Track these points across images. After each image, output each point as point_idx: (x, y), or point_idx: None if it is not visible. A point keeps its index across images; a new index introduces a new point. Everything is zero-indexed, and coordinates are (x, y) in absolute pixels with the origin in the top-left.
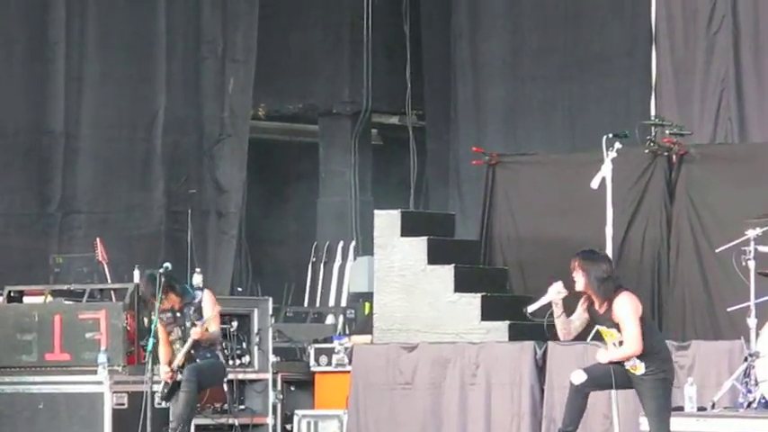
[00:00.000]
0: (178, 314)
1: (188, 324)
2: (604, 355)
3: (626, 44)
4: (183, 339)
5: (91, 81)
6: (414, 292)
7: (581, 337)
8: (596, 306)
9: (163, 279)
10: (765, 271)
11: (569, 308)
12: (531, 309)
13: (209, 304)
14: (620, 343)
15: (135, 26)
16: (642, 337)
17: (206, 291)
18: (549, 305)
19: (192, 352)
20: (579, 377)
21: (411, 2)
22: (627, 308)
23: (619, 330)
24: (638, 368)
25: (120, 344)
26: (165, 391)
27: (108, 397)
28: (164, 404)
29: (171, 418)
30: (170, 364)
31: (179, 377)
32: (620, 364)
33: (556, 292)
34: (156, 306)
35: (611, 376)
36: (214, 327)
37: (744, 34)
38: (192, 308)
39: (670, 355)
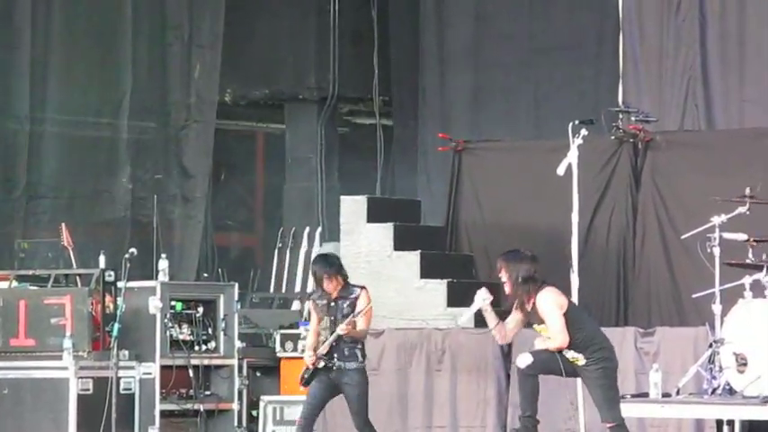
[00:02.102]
0: (332, 304)
1: (339, 317)
2: (542, 343)
3: (593, 31)
4: (331, 330)
5: (56, 66)
6: (380, 278)
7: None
8: (524, 306)
9: (335, 258)
10: (732, 261)
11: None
12: (461, 321)
13: (364, 303)
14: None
15: (101, 11)
16: (569, 330)
17: (364, 290)
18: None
19: (334, 344)
20: (525, 360)
21: None
22: (548, 303)
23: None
24: (579, 359)
25: (86, 329)
26: (306, 375)
27: (73, 383)
28: (302, 388)
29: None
30: (315, 349)
31: (320, 364)
32: (562, 355)
33: (482, 299)
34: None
35: (558, 363)
36: (362, 324)
37: (710, 22)
38: (347, 302)
39: (608, 343)
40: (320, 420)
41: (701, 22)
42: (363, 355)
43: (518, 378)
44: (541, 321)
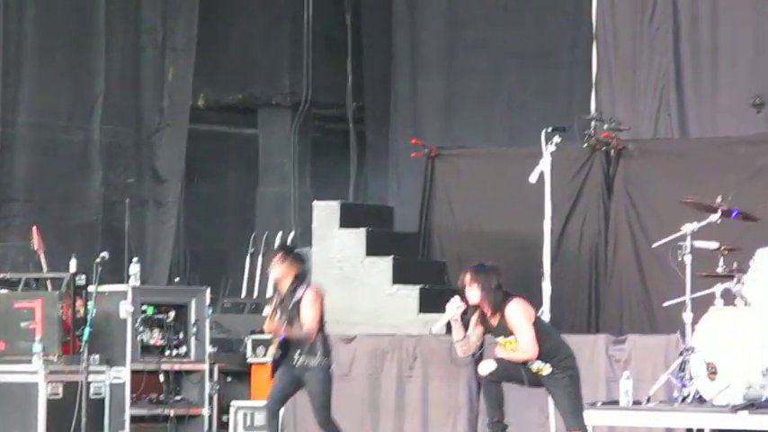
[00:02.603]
0: (283, 301)
1: (285, 316)
2: (505, 354)
3: (568, 39)
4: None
5: (29, 69)
6: (352, 284)
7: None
8: (489, 318)
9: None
10: (703, 273)
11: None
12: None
13: (307, 303)
14: None
15: (74, 14)
16: (537, 341)
17: (310, 289)
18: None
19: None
20: (488, 367)
21: None
22: (519, 314)
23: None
24: (544, 369)
25: (56, 333)
26: (277, 357)
27: (43, 387)
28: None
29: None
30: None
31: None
32: (526, 366)
33: (455, 308)
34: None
35: (521, 373)
36: (306, 324)
37: (683, 31)
38: (292, 303)
39: (571, 352)
40: (290, 418)
41: (674, 30)
42: (325, 353)
43: (482, 385)
44: (509, 333)
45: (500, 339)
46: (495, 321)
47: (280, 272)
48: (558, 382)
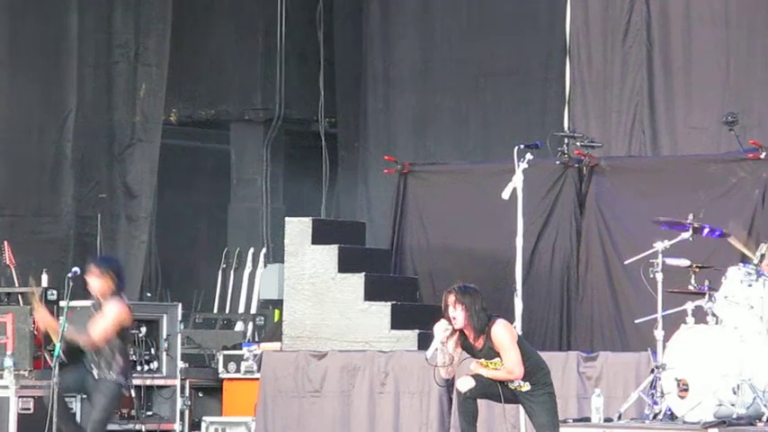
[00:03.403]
0: (97, 310)
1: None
2: (485, 371)
3: (541, 55)
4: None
5: (1, 83)
6: (324, 300)
7: None
8: (471, 340)
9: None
10: (675, 290)
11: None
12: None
13: (110, 316)
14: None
15: (46, 29)
16: (523, 359)
17: (115, 302)
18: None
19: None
20: (466, 384)
21: (325, 9)
22: (505, 335)
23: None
24: (524, 386)
25: (27, 348)
26: (63, 361)
27: (14, 401)
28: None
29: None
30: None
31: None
32: (503, 384)
33: (443, 330)
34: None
35: (498, 390)
36: (100, 327)
37: (656, 49)
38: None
39: (548, 370)
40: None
41: (647, 48)
42: (123, 372)
43: (457, 401)
44: (494, 355)
45: (482, 361)
46: (479, 344)
47: (98, 285)
48: (537, 398)
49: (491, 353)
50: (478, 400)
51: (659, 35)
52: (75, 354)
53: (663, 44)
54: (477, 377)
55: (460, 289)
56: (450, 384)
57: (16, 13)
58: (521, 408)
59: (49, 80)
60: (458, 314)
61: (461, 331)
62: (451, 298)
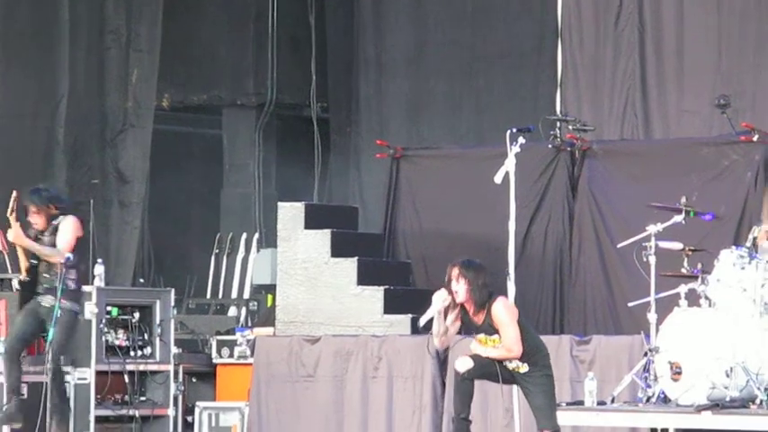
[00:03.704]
0: (38, 237)
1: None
2: (483, 350)
3: (534, 39)
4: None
5: None
6: (317, 285)
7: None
8: (471, 315)
9: (46, 191)
10: (668, 273)
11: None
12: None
13: (62, 230)
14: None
15: (38, 14)
16: (522, 338)
17: (69, 217)
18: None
19: (46, 275)
20: (464, 365)
21: None
22: (505, 312)
23: (500, 335)
24: (522, 368)
25: None
26: (22, 291)
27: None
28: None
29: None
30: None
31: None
32: (502, 364)
33: (441, 300)
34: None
35: (496, 370)
36: (61, 243)
37: (649, 32)
38: (49, 230)
39: (548, 352)
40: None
41: (639, 31)
42: (74, 298)
43: (455, 381)
44: (493, 331)
45: (481, 336)
46: (479, 319)
47: (44, 223)
48: (535, 380)
49: (490, 329)
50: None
51: (651, 18)
52: (31, 286)
53: (655, 27)
54: (475, 357)
55: (465, 263)
56: (442, 357)
57: None
58: (515, 390)
59: (41, 66)
60: (460, 288)
61: (462, 306)
62: (455, 271)
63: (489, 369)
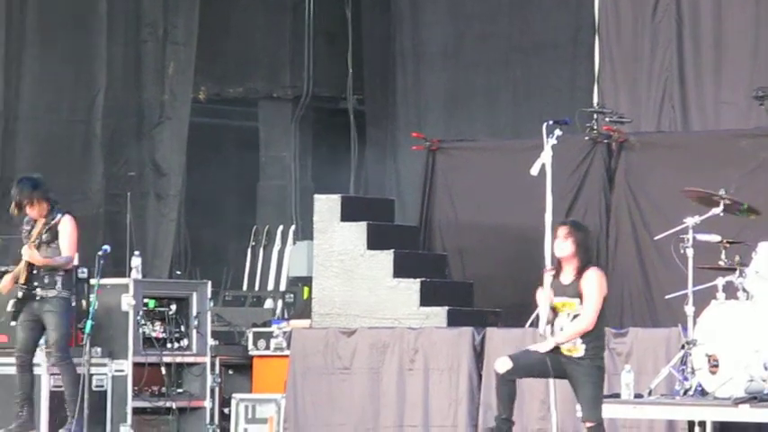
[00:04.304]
0: (42, 243)
1: (39, 243)
2: (546, 344)
3: (570, 31)
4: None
5: (31, 63)
6: (353, 277)
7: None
8: (562, 277)
9: (37, 180)
10: (705, 266)
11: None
12: (542, 330)
13: (63, 232)
14: (574, 317)
15: (75, 8)
16: (597, 317)
17: (67, 216)
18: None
19: (34, 272)
20: (504, 365)
21: None
22: (597, 283)
23: (581, 301)
24: (578, 350)
25: None
26: (14, 309)
27: (45, 379)
28: (12, 323)
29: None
30: (16, 278)
31: (20, 294)
32: (556, 350)
33: (546, 297)
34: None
35: (546, 364)
36: (64, 251)
37: (686, 24)
38: (48, 227)
39: (605, 344)
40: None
41: (677, 23)
42: (66, 285)
43: (496, 382)
44: (574, 294)
45: (557, 302)
46: (567, 280)
47: (39, 214)
48: (586, 370)
49: (573, 292)
50: None
51: (689, 10)
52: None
53: (693, 19)
54: (517, 357)
55: (575, 223)
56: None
57: None
58: (551, 382)
59: (79, 59)
60: (566, 246)
61: (557, 270)
62: (564, 230)
63: (539, 366)
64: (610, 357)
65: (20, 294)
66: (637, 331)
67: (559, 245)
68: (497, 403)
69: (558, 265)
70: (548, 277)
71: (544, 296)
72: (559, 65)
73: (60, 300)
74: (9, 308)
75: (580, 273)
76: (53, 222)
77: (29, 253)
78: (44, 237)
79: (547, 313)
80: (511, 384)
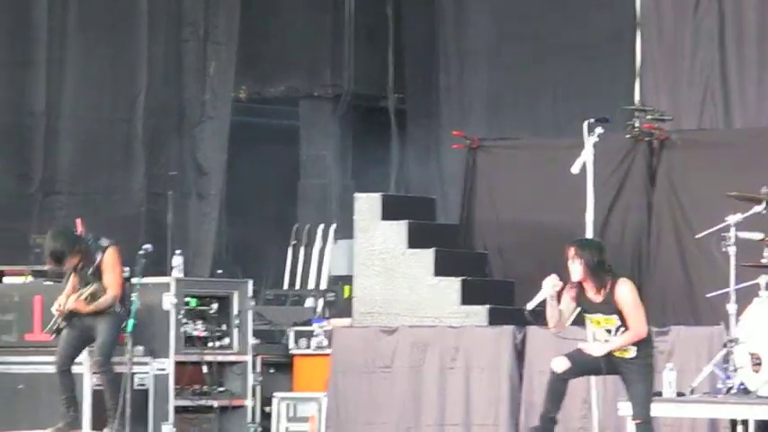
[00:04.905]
0: (79, 269)
1: (84, 283)
2: (600, 347)
3: (611, 29)
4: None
5: (72, 62)
6: (394, 276)
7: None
8: (590, 294)
9: (73, 235)
10: (747, 264)
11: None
12: (529, 306)
13: (108, 267)
14: (617, 330)
15: (117, 8)
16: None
17: (109, 250)
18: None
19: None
20: (561, 365)
21: None
22: (632, 294)
23: (620, 317)
24: (629, 351)
25: None
26: (55, 327)
27: (87, 378)
28: (52, 338)
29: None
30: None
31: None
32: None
33: (551, 286)
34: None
35: (598, 363)
36: (111, 291)
37: (728, 20)
38: (91, 269)
39: (654, 342)
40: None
41: (719, 20)
42: (120, 301)
43: (549, 380)
44: (610, 311)
45: (596, 317)
46: (598, 298)
47: (78, 262)
48: (638, 369)
49: (609, 308)
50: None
51: (732, 6)
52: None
53: (735, 15)
54: (573, 356)
55: (580, 242)
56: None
57: None
58: (592, 381)
59: (120, 59)
60: (576, 267)
61: (580, 284)
62: (571, 251)
63: (592, 365)
64: None
65: (66, 322)
66: (679, 330)
67: (571, 266)
68: (546, 402)
69: (578, 283)
70: (551, 281)
71: (550, 285)
72: (601, 63)
73: (114, 314)
74: (52, 325)
75: (605, 288)
76: (95, 266)
77: (76, 307)
78: (87, 275)
79: (553, 308)
80: (564, 383)
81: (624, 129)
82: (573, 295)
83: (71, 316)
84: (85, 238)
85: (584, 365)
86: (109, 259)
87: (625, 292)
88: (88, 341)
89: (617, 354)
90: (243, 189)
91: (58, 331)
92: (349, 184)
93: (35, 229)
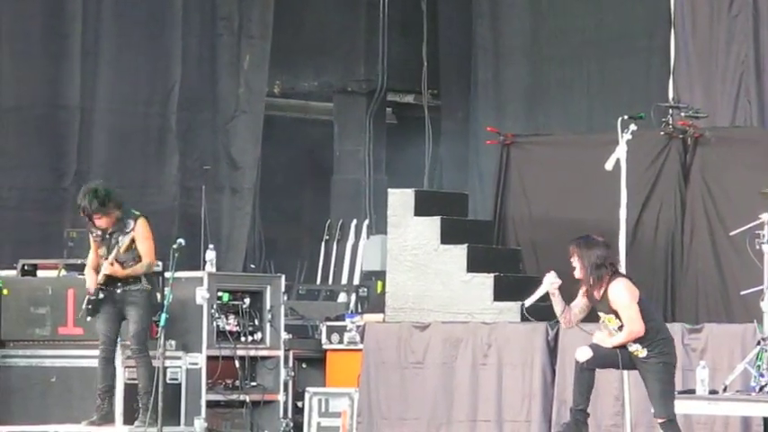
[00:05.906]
0: (106, 236)
1: (114, 249)
2: (606, 340)
3: (646, 25)
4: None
5: (107, 56)
6: (426, 272)
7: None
8: (594, 292)
9: (105, 193)
10: None
11: (572, 295)
12: (527, 303)
13: (140, 237)
14: (620, 328)
15: (151, 1)
16: (643, 320)
17: (141, 220)
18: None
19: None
20: (585, 354)
21: None
22: (622, 293)
23: (617, 316)
24: (641, 352)
25: None
26: (90, 306)
27: (120, 372)
28: (88, 319)
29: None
30: (96, 270)
31: (101, 295)
32: (624, 346)
33: (550, 283)
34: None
35: (617, 356)
36: (144, 258)
37: (764, 17)
38: (122, 235)
39: (671, 338)
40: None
41: (754, 16)
42: (149, 278)
43: (575, 371)
44: (610, 311)
45: (603, 315)
46: (597, 295)
47: (109, 223)
48: (652, 368)
49: (607, 308)
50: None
51: (766, 2)
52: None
53: None
54: (595, 347)
55: (579, 240)
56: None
57: None
58: (625, 377)
59: (154, 53)
60: (575, 265)
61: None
62: (571, 249)
63: (610, 358)
64: (684, 353)
65: (101, 295)
66: (712, 327)
67: (573, 264)
68: (575, 394)
69: None
70: (550, 277)
71: (548, 282)
72: (634, 59)
73: (144, 292)
74: (86, 304)
75: (602, 287)
76: (127, 232)
77: (111, 270)
78: (117, 238)
79: (557, 304)
80: (590, 373)
81: (658, 125)
82: (584, 291)
83: (103, 288)
84: (114, 204)
85: (604, 358)
86: (143, 229)
87: (616, 291)
88: (122, 319)
89: (632, 352)
90: (276, 184)
91: (95, 311)
92: (382, 180)
93: (69, 223)
